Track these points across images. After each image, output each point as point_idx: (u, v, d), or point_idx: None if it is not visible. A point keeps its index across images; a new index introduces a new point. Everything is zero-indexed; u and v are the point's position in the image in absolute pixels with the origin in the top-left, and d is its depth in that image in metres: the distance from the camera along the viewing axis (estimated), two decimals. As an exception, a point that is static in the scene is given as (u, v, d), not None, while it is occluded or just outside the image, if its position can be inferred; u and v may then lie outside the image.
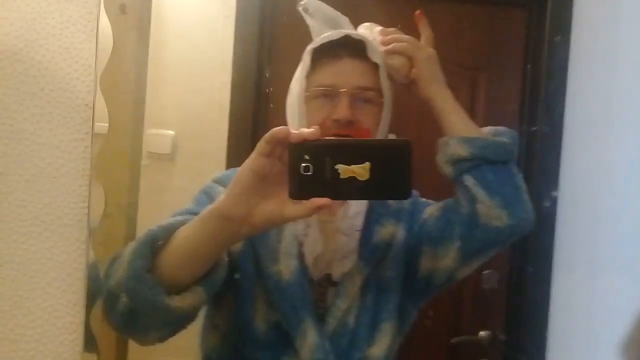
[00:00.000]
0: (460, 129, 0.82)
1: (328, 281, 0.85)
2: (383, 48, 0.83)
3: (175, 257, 0.63)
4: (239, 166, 0.59)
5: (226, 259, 0.70)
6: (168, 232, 0.64)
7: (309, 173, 0.54)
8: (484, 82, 1.62)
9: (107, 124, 0.70)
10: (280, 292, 0.81)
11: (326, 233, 0.85)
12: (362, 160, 0.54)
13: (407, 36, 0.85)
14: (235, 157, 1.56)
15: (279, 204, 0.57)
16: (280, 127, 0.56)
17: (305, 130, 0.56)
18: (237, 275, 0.81)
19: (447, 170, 0.83)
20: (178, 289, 0.63)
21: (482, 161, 0.80)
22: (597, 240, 1.24)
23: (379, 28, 0.87)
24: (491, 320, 1.56)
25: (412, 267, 0.88)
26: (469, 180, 0.80)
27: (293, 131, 0.55)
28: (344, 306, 0.83)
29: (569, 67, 1.50)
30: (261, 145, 0.56)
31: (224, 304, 0.84)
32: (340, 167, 0.54)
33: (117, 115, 1.47)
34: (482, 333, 1.56)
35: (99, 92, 0.56)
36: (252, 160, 0.57)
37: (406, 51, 0.83)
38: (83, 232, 0.53)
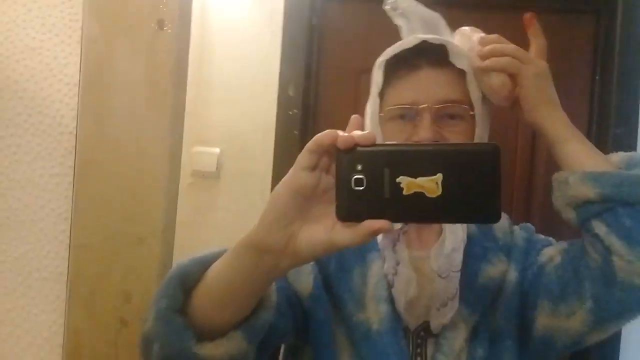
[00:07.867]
0: (581, 161, 0.65)
1: (426, 331, 0.72)
2: (481, 63, 0.69)
3: (208, 296, 0.54)
4: None
5: (273, 299, 0.61)
6: (201, 266, 0.55)
7: (362, 188, 0.44)
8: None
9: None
10: (370, 343, 0.70)
11: (421, 272, 0.72)
12: (432, 171, 0.43)
13: (511, 46, 0.69)
14: (281, 178, 1.45)
15: (326, 228, 0.47)
16: (327, 130, 0.45)
17: (358, 132, 0.45)
18: (312, 324, 0.72)
19: (569, 215, 0.66)
20: (215, 335, 0.54)
21: (615, 203, 0.62)
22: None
23: (479, 35, 0.71)
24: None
25: (526, 321, 0.73)
26: (599, 228, 0.63)
27: (342, 134, 0.45)
28: None
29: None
30: (303, 156, 0.46)
31: (302, 357, 0.76)
32: (404, 181, 0.43)
33: (153, 135, 1.43)
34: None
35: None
36: (293, 176, 0.47)
37: (507, 68, 0.68)
38: (63, 287, 0.43)
